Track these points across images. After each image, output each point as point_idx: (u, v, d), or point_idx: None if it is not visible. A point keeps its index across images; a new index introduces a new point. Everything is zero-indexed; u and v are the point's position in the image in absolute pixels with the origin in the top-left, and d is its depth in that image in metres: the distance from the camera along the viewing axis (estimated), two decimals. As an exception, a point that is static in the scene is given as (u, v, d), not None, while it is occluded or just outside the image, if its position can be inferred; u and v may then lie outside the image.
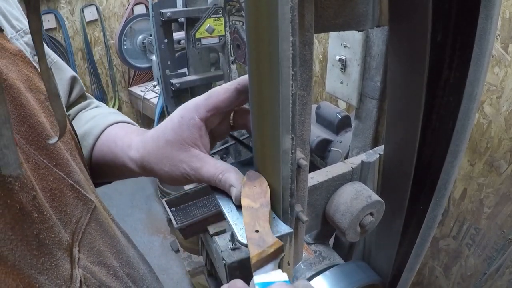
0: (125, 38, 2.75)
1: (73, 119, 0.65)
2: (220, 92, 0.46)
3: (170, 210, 1.48)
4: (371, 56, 0.79)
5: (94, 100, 0.71)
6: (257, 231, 0.35)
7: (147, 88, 2.98)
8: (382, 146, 0.64)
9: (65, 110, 0.57)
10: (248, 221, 0.37)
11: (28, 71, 0.44)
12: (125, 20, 2.73)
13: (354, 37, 0.81)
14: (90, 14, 2.99)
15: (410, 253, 0.68)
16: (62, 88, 0.62)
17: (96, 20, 3.03)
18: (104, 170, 0.58)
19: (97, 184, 0.63)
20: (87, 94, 0.71)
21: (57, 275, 0.39)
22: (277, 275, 0.34)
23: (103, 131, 0.58)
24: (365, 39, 0.79)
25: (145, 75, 3.26)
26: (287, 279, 0.33)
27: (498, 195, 1.36)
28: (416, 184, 0.61)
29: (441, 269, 1.69)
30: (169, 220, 1.76)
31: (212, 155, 0.49)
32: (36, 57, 0.49)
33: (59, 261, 0.40)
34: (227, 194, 0.45)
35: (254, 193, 0.40)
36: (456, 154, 0.55)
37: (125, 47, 2.77)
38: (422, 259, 0.69)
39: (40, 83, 0.46)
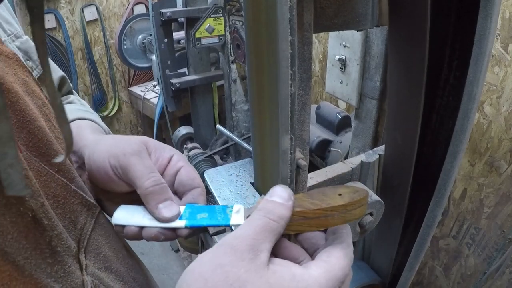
0: (125, 38, 2.74)
1: None
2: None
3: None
4: (370, 55, 0.79)
5: (72, 96, 0.70)
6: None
7: (147, 88, 2.98)
8: (382, 147, 0.64)
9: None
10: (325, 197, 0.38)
11: (23, 74, 0.43)
12: (125, 20, 2.72)
13: (354, 36, 0.81)
14: (90, 14, 2.98)
15: (409, 252, 0.68)
16: None
17: (96, 20, 3.02)
18: None
19: None
20: (73, 92, 0.72)
21: (70, 282, 0.38)
22: None
23: None
24: (364, 38, 0.79)
25: (145, 75, 3.25)
26: None
27: (498, 195, 1.36)
28: (416, 184, 0.61)
29: (441, 268, 1.69)
30: (169, 220, 1.75)
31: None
32: (28, 62, 0.48)
33: (71, 268, 0.39)
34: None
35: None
36: (456, 154, 0.55)
37: (125, 46, 2.77)
38: (422, 259, 0.69)
39: (36, 88, 0.45)
